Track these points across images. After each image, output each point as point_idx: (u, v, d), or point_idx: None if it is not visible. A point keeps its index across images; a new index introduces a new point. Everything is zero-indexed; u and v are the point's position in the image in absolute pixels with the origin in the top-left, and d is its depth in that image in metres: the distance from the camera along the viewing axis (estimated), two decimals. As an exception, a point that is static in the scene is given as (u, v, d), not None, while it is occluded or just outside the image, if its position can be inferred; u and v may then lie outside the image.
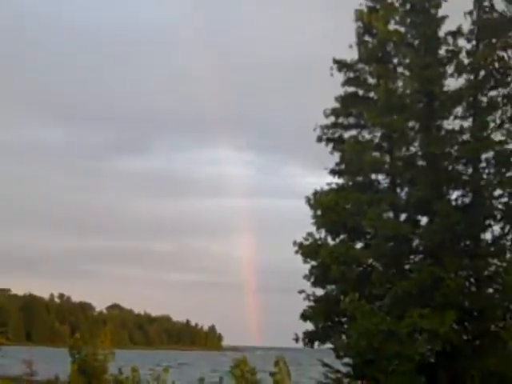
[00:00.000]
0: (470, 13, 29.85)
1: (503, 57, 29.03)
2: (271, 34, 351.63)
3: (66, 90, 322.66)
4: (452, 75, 30.23)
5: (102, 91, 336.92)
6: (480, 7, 29.74)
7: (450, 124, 30.40)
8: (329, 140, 32.34)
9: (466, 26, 30.09)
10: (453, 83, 30.18)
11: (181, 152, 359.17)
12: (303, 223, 31.43)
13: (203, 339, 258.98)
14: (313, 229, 31.20)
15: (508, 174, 27.20)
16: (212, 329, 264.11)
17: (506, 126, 27.81)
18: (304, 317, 31.25)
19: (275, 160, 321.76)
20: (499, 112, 29.10)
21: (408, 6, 31.33)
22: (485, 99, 29.64)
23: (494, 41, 29.19)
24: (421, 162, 30.62)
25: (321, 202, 30.94)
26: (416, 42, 31.07)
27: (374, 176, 31.56)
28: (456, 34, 30.41)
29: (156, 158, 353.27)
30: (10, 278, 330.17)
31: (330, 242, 31.25)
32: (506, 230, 28.40)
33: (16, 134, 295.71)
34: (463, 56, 30.21)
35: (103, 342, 51.31)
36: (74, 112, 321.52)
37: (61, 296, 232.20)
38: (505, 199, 28.38)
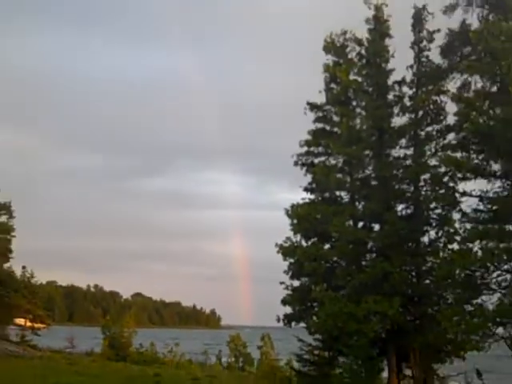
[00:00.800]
0: (412, 66, 29.90)
1: (437, 100, 29.21)
2: (265, 82, 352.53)
3: (99, 126, 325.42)
4: (398, 114, 30.23)
5: (128, 126, 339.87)
6: (419, 62, 29.85)
7: (397, 152, 30.38)
8: (303, 164, 32.33)
9: (409, 77, 30.12)
10: (398, 121, 30.26)
11: (190, 174, 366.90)
12: (283, 230, 31.49)
13: (206, 320, 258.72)
14: (291, 234, 31.17)
15: (441, 192, 27.19)
16: (213, 312, 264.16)
17: (440, 153, 27.82)
18: (284, 302, 31.20)
19: (262, 180, 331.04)
20: (434, 143, 29.16)
21: (364, 61, 31.48)
22: (423, 133, 29.58)
23: (430, 88, 29.33)
24: (374, 182, 30.50)
25: (297, 213, 30.93)
26: (370, 89, 31.08)
27: (337, 193, 31.48)
28: (401, 82, 30.42)
29: (171, 179, 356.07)
30: (57, 272, 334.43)
31: (304, 244, 31.15)
32: (440, 235, 28.40)
33: (66, 161, 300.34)
34: (406, 100, 30.17)
35: (128, 322, 51.71)
36: (107, 143, 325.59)
37: (95, 286, 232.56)
38: (438, 211, 28.33)
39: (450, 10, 26.81)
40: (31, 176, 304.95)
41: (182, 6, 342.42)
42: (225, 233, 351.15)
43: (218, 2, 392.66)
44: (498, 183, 24.17)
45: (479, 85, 25.42)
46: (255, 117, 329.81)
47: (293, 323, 31.41)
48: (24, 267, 58.94)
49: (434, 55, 28.66)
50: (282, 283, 31.29)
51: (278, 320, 31.68)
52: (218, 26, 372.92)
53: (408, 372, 29.17)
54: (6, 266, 58.04)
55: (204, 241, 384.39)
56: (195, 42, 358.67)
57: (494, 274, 23.28)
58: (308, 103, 32.35)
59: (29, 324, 57.39)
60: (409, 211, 29.78)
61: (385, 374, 29.26)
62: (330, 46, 32.19)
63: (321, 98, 32.29)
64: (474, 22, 26.15)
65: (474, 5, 26.22)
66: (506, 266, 23.17)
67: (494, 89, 24.75)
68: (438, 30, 28.59)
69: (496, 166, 24.22)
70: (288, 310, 31.42)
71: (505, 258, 22.99)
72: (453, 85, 27.55)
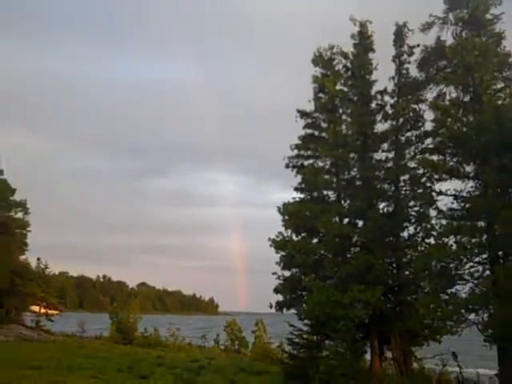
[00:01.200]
0: (393, 78, 30.07)
1: (416, 108, 29.29)
2: (262, 92, 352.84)
3: (110, 132, 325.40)
4: (380, 121, 30.38)
5: (141, 128, 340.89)
6: (400, 74, 29.94)
7: (379, 155, 30.54)
8: (293, 166, 32.24)
9: (390, 87, 30.29)
10: (380, 127, 30.43)
11: (191, 174, 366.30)
12: (276, 225, 31.45)
13: (205, 307, 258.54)
14: (282, 229, 31.08)
15: (419, 191, 27.24)
16: (211, 300, 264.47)
17: (418, 157, 27.91)
18: (276, 291, 31.07)
19: (257, 181, 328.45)
20: (413, 147, 29.23)
21: (350, 73, 31.55)
22: (403, 138, 29.69)
23: (409, 97, 29.40)
24: (358, 182, 30.57)
25: (288, 211, 30.84)
26: (355, 98, 31.17)
27: (325, 192, 31.35)
28: (383, 92, 30.58)
29: (173, 179, 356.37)
30: (69, 264, 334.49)
31: (295, 238, 31.03)
32: (418, 230, 28.47)
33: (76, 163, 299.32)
34: (388, 108, 30.32)
35: (134, 309, 51.66)
36: (118, 146, 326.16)
37: (104, 277, 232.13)
38: (417, 208, 28.38)
39: (426, 27, 26.85)
40: (44, 176, 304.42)
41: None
42: (224, 229, 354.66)
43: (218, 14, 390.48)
44: (471, 183, 24.38)
45: (454, 95, 25.65)
46: (252, 123, 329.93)
47: (284, 310, 31.34)
48: (39, 259, 59.15)
49: (413, 68, 28.78)
50: (274, 274, 31.22)
51: (271, 307, 31.58)
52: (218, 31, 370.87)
53: (389, 354, 29.19)
54: (22, 258, 58.32)
55: (204, 236, 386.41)
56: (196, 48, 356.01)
57: (467, 266, 23.40)
58: (298, 111, 32.26)
59: (43, 311, 57.38)
60: (390, 209, 29.84)
61: (368, 356, 29.35)
62: (318, 59, 32.14)
63: (310, 106, 32.27)
64: (449, 39, 26.27)
65: (448, 23, 26.25)
66: (477, 259, 23.32)
67: (468, 98, 25.00)
68: (418, 45, 28.72)
69: (469, 168, 24.41)
70: (280, 297, 31.32)
71: (476, 251, 23.20)
72: (430, 95, 27.80)
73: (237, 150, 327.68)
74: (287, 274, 31.36)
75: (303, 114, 32.27)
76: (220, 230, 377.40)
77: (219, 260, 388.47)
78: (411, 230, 28.90)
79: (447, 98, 26.05)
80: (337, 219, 30.23)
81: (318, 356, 27.76)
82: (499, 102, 23.77)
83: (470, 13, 25.33)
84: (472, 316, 22.61)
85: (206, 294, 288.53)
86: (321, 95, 32.07)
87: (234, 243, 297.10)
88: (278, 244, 30.81)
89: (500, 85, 24.52)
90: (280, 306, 31.31)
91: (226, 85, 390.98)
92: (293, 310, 31.02)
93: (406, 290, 28.29)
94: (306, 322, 30.18)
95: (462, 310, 22.52)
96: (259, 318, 43.11)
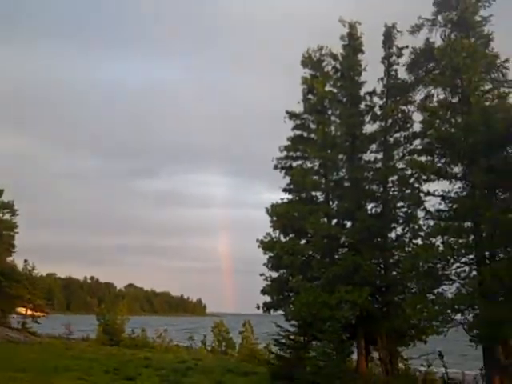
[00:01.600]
0: (382, 79, 30.22)
1: (404, 110, 29.45)
2: (251, 96, 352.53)
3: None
4: (369, 122, 30.62)
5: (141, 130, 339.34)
6: (389, 75, 30.09)
7: (368, 156, 30.75)
8: (282, 168, 32.27)
9: (379, 88, 30.48)
10: (369, 128, 30.66)
11: (180, 176, 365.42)
12: (264, 226, 31.48)
13: (192, 308, 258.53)
14: (270, 230, 31.16)
15: (407, 192, 27.38)
16: (199, 301, 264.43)
17: (406, 157, 28.03)
18: (263, 292, 31.14)
19: (246, 182, 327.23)
20: (401, 148, 29.37)
21: (339, 74, 31.73)
22: (391, 139, 29.85)
23: (398, 98, 29.55)
24: (347, 183, 30.70)
25: (276, 211, 30.88)
26: (344, 99, 31.37)
27: (313, 193, 31.48)
28: (372, 93, 30.79)
29: (163, 180, 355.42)
30: (56, 265, 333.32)
31: (283, 239, 31.13)
32: (405, 231, 28.62)
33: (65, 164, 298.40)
34: (377, 109, 30.53)
35: (121, 310, 51.45)
36: (109, 148, 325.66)
37: (91, 278, 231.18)
38: (405, 209, 28.54)
39: (416, 29, 26.96)
40: (32, 177, 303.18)
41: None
42: (213, 230, 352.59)
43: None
44: (459, 184, 24.49)
45: (442, 96, 25.78)
46: (241, 125, 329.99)
47: (271, 311, 31.39)
48: (26, 261, 58.68)
49: (402, 69, 28.87)
50: (261, 275, 31.33)
51: (258, 308, 31.67)
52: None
53: (375, 354, 29.36)
54: (9, 259, 58.01)
55: (194, 237, 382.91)
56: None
57: (454, 266, 23.51)
58: (287, 112, 32.34)
59: (29, 312, 57.04)
60: (378, 210, 29.99)
61: (354, 357, 29.45)
62: (307, 61, 32.28)
63: (299, 108, 32.36)
64: (438, 41, 26.39)
65: (437, 25, 26.38)
66: (464, 259, 23.42)
67: (456, 100, 25.11)
68: (407, 47, 28.81)
69: (457, 169, 24.53)
70: (267, 298, 31.41)
71: (463, 251, 23.32)
72: (418, 96, 27.89)
73: (228, 151, 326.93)
74: (275, 275, 31.45)
75: (292, 115, 32.36)
76: (210, 231, 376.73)
77: (208, 261, 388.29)
78: (399, 230, 29.08)
79: (435, 99, 26.23)
80: (325, 220, 30.33)
81: (304, 356, 27.78)
82: (487, 104, 23.95)
83: (459, 15, 25.49)
84: (458, 316, 22.73)
85: (195, 295, 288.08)
86: (310, 96, 32.21)
87: (223, 244, 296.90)
88: (266, 245, 30.87)
89: (488, 86, 24.69)
90: (267, 307, 31.38)
91: (220, 85, 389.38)
92: (280, 311, 31.04)
93: (393, 290, 28.39)
94: (293, 322, 30.28)
95: (449, 311, 22.62)
96: (247, 319, 43.10)
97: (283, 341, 30.71)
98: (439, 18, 26.28)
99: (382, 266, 29.33)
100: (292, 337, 30.25)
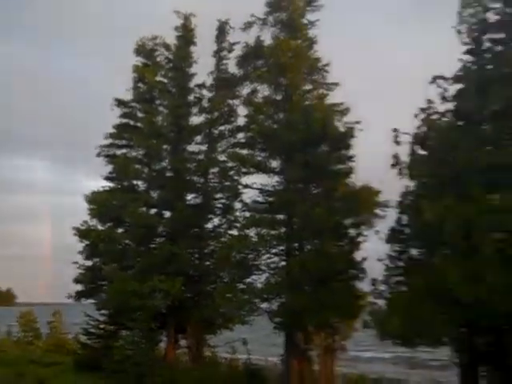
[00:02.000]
0: (212, 72, 30.50)
1: (230, 103, 29.91)
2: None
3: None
4: (196, 114, 30.82)
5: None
6: (219, 69, 30.46)
7: (192, 148, 30.88)
8: (106, 156, 31.48)
9: (209, 81, 30.72)
10: (196, 120, 30.87)
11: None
12: (85, 214, 30.52)
13: (5, 297, 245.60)
14: (88, 218, 30.30)
15: (226, 184, 27.88)
16: (9, 290, 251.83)
17: (229, 150, 28.46)
18: (76, 281, 30.21)
19: (70, 169, 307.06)
20: (225, 141, 29.80)
21: (171, 65, 31.63)
22: (216, 132, 30.17)
23: (226, 92, 29.95)
24: (169, 174, 30.64)
25: (95, 199, 30.09)
26: (173, 90, 31.30)
27: (135, 182, 31.02)
28: (201, 86, 31.00)
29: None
30: None
31: (100, 227, 30.42)
32: (222, 222, 29.15)
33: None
34: (205, 101, 30.74)
35: None
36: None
37: None
38: (223, 201, 29.09)
39: (247, 26, 27.44)
40: None
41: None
42: (34, 217, 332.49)
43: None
44: (276, 178, 25.15)
45: (266, 93, 26.31)
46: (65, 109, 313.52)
47: (83, 299, 30.56)
48: None
49: (233, 64, 29.29)
50: (75, 263, 30.33)
51: (70, 297, 30.65)
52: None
53: (184, 342, 29.43)
54: None
55: (17, 224, 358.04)
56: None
57: (265, 257, 24.23)
58: (115, 99, 31.64)
59: None
60: (198, 200, 30.23)
61: (163, 345, 29.33)
62: (140, 49, 31.85)
63: (128, 96, 31.73)
64: (268, 39, 27.00)
65: (268, 24, 27.04)
66: (274, 250, 24.19)
67: (280, 97, 25.81)
68: (238, 43, 29.22)
69: (275, 163, 25.21)
70: (79, 287, 30.47)
71: (275, 243, 24.05)
72: (245, 91, 28.27)
73: (54, 138, 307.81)
74: (89, 263, 30.59)
75: (120, 102, 31.76)
76: (32, 218, 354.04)
77: (27, 249, 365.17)
78: (216, 221, 29.53)
79: (260, 95, 26.79)
80: (144, 209, 29.98)
81: (113, 346, 27.33)
82: (307, 103, 24.90)
83: (288, 16, 26.32)
84: (265, 305, 23.35)
85: (9, 284, 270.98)
86: (140, 85, 31.72)
87: (44, 232, 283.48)
88: (82, 233, 30.02)
89: (309, 87, 25.70)
90: (79, 295, 30.56)
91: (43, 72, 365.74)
92: (91, 300, 30.32)
93: (206, 280, 28.71)
94: (104, 312, 29.74)
95: (256, 300, 23.24)
96: (63, 308, 41.72)
97: (92, 330, 30.11)
98: (270, 18, 26.95)
99: (196, 255, 29.52)
100: (102, 326, 29.74)
